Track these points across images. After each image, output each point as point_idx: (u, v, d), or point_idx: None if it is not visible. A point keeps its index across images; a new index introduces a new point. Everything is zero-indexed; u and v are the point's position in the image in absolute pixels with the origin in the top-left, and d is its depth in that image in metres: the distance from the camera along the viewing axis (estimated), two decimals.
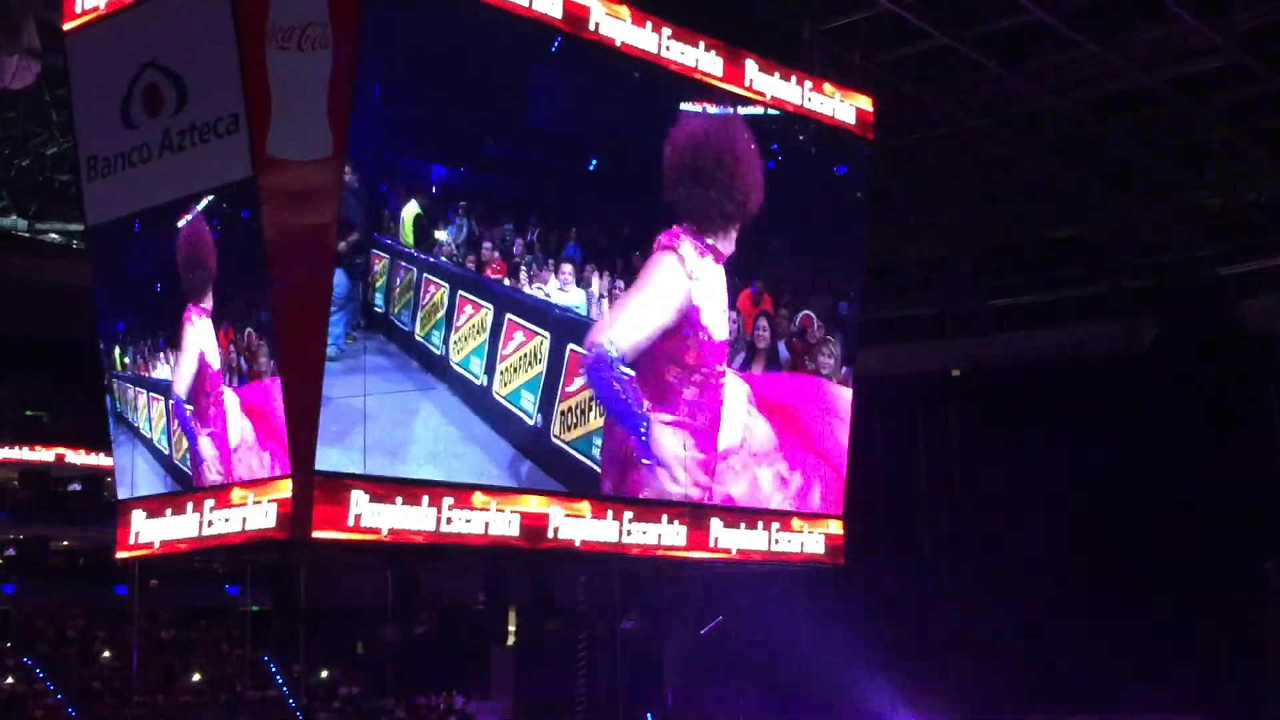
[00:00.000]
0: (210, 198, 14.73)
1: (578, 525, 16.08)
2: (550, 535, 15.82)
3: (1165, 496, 33.09)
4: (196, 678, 41.65)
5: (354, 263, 14.65)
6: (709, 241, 17.37)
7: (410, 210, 15.32)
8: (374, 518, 14.30)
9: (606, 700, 37.28)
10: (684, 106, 17.42)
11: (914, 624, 36.27)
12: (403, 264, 15.32)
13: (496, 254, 16.03)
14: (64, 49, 16.31)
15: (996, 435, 35.53)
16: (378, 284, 14.90)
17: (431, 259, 15.62)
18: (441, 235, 15.65)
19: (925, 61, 23.51)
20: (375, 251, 14.92)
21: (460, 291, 15.89)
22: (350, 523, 14.13)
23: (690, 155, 17.38)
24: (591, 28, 16.14)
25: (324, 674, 44.08)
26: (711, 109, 17.68)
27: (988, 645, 34.70)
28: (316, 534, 14.01)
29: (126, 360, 16.31)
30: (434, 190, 15.66)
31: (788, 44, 20.68)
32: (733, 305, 17.97)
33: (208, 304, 15.07)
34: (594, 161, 16.97)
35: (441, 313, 15.67)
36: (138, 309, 16.16)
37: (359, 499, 14.18)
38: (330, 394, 14.22)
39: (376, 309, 14.91)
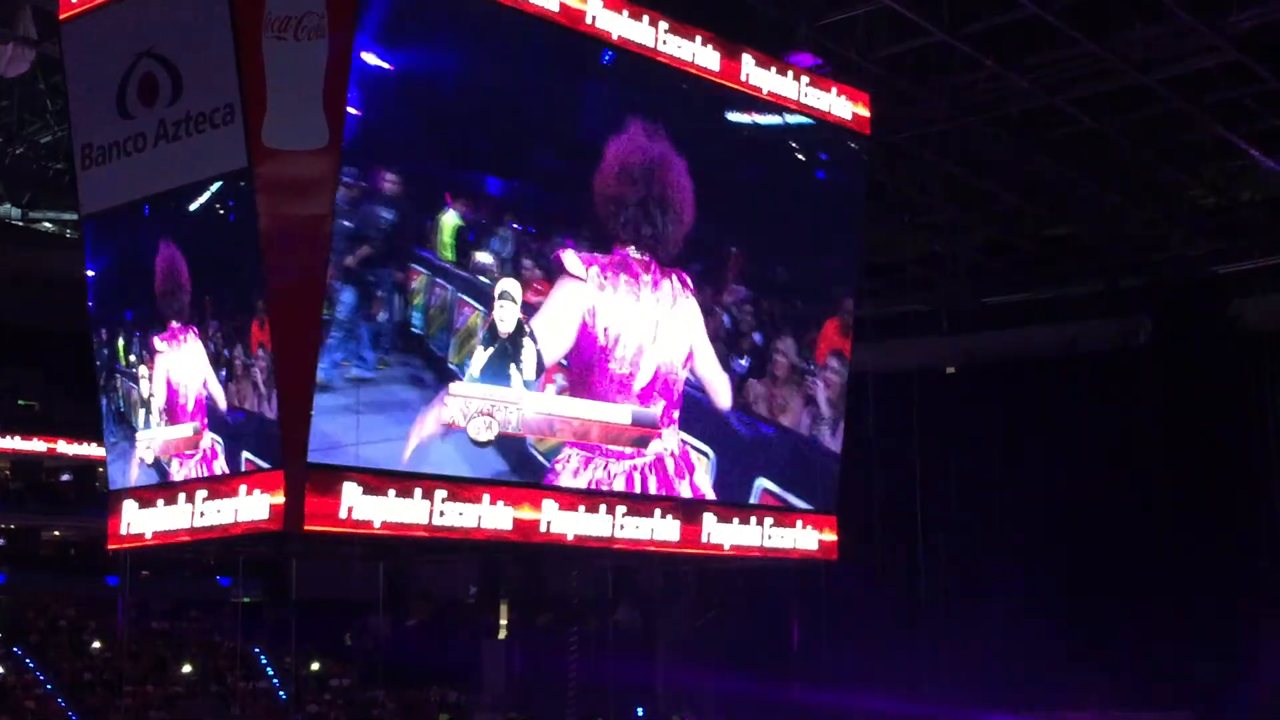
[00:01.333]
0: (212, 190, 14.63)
1: (570, 519, 16.04)
2: (543, 529, 15.78)
3: (1160, 492, 33.12)
4: (187, 669, 41.60)
5: (365, 279, 14.06)
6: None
7: (450, 220, 14.76)
8: (366, 510, 14.24)
9: (597, 692, 37.30)
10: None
11: (907, 619, 36.31)
12: (439, 282, 14.67)
13: (539, 272, 15.51)
14: (59, 37, 16.26)
15: (992, 432, 35.55)
16: (415, 301, 14.46)
17: (468, 275, 14.89)
18: (483, 254, 14.96)
19: (921, 58, 23.49)
20: (414, 266, 14.39)
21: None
22: (343, 515, 14.07)
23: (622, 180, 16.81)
24: (588, 21, 16.09)
25: (315, 665, 44.05)
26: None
27: (981, 640, 34.73)
28: (309, 527, 13.96)
29: (132, 356, 16.00)
30: (482, 201, 14.97)
31: (784, 40, 20.65)
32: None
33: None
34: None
35: (476, 339, 15.19)
36: (144, 298, 15.98)
37: (351, 492, 14.12)
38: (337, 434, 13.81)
39: (414, 329, 14.49)
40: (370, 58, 14.00)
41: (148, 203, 15.24)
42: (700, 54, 17.30)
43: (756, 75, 18.00)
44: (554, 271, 15.82)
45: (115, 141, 15.21)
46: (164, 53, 14.68)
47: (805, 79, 18.66)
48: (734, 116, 17.97)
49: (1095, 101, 24.87)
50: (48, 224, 33.31)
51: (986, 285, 34.06)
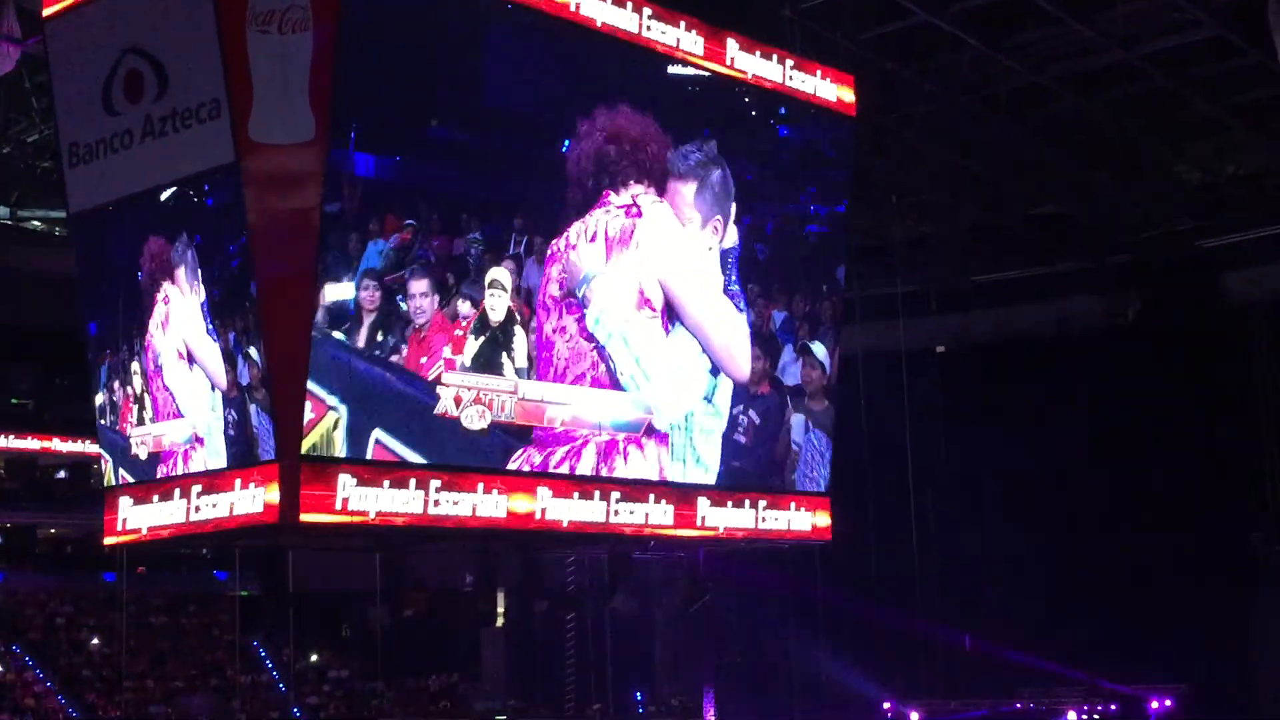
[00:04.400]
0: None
1: (565, 506, 16.11)
2: (538, 516, 15.84)
3: (1151, 468, 33.21)
4: (186, 663, 41.65)
5: None
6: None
7: None
8: (361, 501, 14.29)
9: (596, 680, 37.35)
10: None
11: (901, 599, 36.36)
12: None
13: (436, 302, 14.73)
14: (44, 35, 16.25)
15: (982, 410, 35.61)
16: None
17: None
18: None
19: (907, 39, 23.51)
20: None
21: None
22: (338, 506, 14.13)
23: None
24: (572, 8, 16.10)
25: (313, 658, 44.13)
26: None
27: (975, 620, 34.82)
28: (304, 517, 14.01)
29: (124, 353, 15.90)
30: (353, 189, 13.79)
31: (768, 23, 20.66)
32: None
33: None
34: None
35: None
36: (117, 306, 15.89)
37: (346, 482, 14.17)
38: None
39: None
40: None
41: (135, 199, 15.25)
42: (684, 39, 17.34)
43: (741, 59, 18.04)
44: None
45: (102, 139, 15.20)
46: (149, 48, 14.67)
47: (790, 62, 18.70)
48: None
49: (1080, 80, 24.91)
50: (36, 222, 33.26)
51: (975, 265, 34.12)
